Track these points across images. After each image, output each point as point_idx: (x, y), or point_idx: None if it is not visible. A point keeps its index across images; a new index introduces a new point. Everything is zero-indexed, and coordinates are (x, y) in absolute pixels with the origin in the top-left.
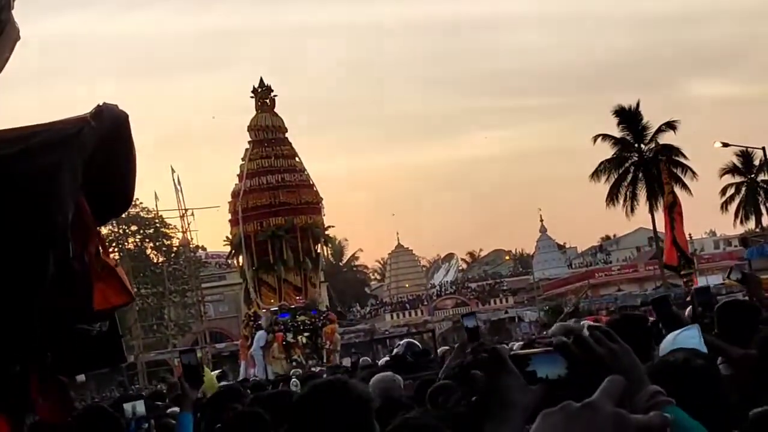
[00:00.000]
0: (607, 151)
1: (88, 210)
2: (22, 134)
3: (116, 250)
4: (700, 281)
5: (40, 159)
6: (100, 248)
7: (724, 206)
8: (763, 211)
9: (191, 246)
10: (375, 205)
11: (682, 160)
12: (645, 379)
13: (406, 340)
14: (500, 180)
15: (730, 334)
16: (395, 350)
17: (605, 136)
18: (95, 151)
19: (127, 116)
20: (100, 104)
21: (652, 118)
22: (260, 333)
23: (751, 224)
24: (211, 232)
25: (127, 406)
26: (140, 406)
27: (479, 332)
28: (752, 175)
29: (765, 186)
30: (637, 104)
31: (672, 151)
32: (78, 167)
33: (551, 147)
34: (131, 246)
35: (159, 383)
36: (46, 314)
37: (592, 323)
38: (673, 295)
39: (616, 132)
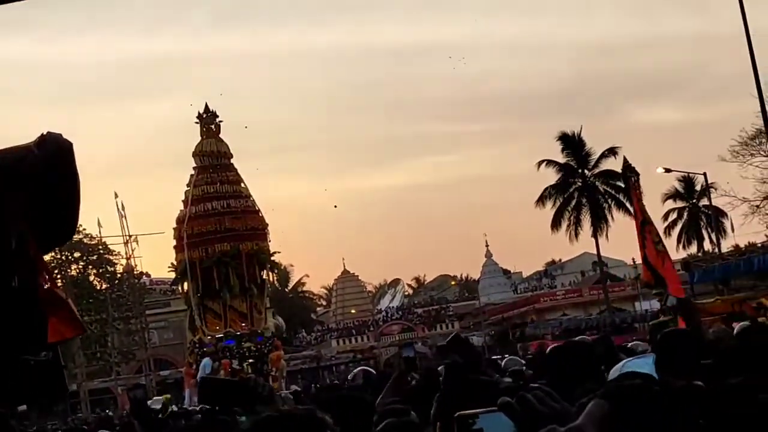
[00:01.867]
0: (552, 176)
1: (32, 239)
2: None
3: (59, 277)
4: (644, 305)
5: None
6: (47, 279)
7: (667, 231)
8: (705, 235)
9: (135, 272)
10: (320, 230)
11: (623, 185)
12: None
13: (360, 368)
14: (445, 206)
15: (671, 364)
16: (351, 378)
17: (549, 162)
18: (39, 180)
19: (71, 145)
20: (44, 133)
21: (595, 144)
22: (205, 360)
23: (694, 248)
24: (156, 258)
25: None
26: None
27: (416, 363)
28: (694, 200)
29: (706, 211)
30: (580, 130)
31: (614, 176)
32: (21, 196)
33: (496, 173)
34: (74, 273)
35: (101, 412)
36: None
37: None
38: (617, 321)
39: (560, 158)
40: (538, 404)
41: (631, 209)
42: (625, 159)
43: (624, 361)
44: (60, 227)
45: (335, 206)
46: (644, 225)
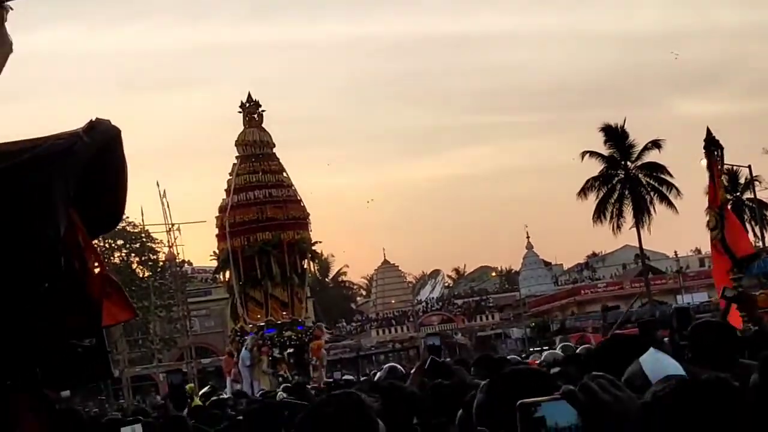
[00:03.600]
0: (594, 168)
1: (81, 225)
2: (14, 149)
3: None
4: (686, 299)
5: (33, 173)
6: (98, 263)
7: (710, 224)
8: (749, 228)
9: (177, 261)
10: (361, 221)
11: (667, 177)
12: (648, 426)
13: (389, 364)
14: (486, 197)
15: (704, 357)
16: (378, 374)
17: (592, 153)
18: (87, 166)
19: (119, 131)
20: (93, 119)
21: (638, 136)
22: (244, 353)
23: None
24: (198, 246)
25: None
26: (138, 430)
27: (440, 352)
28: (738, 193)
29: (750, 204)
30: (624, 122)
31: (657, 168)
32: (70, 182)
33: (538, 164)
34: (117, 261)
35: (141, 400)
36: (41, 329)
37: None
38: (658, 313)
39: (603, 150)
40: (601, 392)
41: (707, 189)
42: (708, 131)
43: (656, 358)
44: (107, 213)
45: (370, 201)
46: (723, 205)
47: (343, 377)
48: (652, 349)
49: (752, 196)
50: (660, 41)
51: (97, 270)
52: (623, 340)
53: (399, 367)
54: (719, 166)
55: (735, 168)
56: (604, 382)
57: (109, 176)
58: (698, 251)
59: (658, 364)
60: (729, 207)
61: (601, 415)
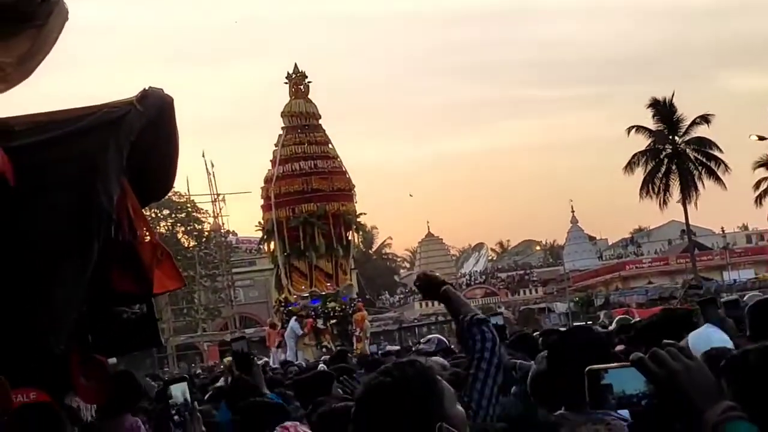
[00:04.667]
0: (641, 143)
1: (132, 193)
2: (70, 116)
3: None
4: (732, 275)
5: (88, 140)
6: (149, 232)
7: (758, 200)
8: None
9: (222, 231)
10: (406, 193)
11: (715, 153)
12: (718, 394)
13: (435, 336)
14: (531, 170)
15: (764, 337)
16: (425, 341)
17: (639, 128)
18: (140, 135)
19: (172, 100)
20: (146, 88)
21: (686, 111)
22: (294, 323)
23: None
24: (243, 217)
25: (176, 390)
26: (186, 391)
27: (506, 332)
28: None
29: None
30: (672, 96)
31: (706, 143)
32: (124, 149)
33: (584, 137)
34: (163, 230)
35: (190, 366)
36: (93, 294)
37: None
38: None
39: (651, 124)
40: (671, 360)
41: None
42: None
43: (707, 332)
44: (158, 182)
45: (411, 195)
46: None
47: (386, 348)
48: (706, 325)
49: None
50: (710, 14)
51: (147, 239)
52: (676, 315)
53: (444, 339)
54: None
55: None
56: (674, 350)
57: (162, 145)
58: (745, 228)
59: (704, 337)
60: None
61: (671, 383)
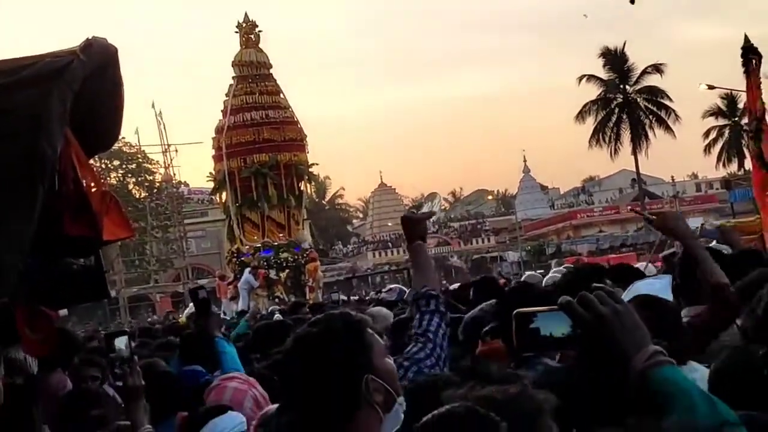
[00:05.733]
0: (593, 92)
1: (77, 144)
2: (11, 66)
3: None
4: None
5: (30, 91)
6: (96, 181)
7: (707, 149)
8: (746, 154)
9: (174, 182)
10: (358, 143)
11: (666, 102)
12: (646, 339)
13: (397, 285)
14: (484, 120)
15: (690, 287)
16: (387, 290)
17: (591, 77)
18: (84, 85)
19: (116, 50)
20: (90, 38)
21: (638, 60)
22: (249, 275)
23: (734, 167)
24: (194, 167)
25: (119, 343)
26: (127, 344)
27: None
28: (736, 118)
29: (747, 127)
30: (623, 46)
31: (656, 93)
32: (67, 100)
33: (536, 87)
34: (113, 181)
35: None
36: (41, 246)
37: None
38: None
39: (602, 73)
40: (599, 304)
41: (750, 101)
42: (746, 37)
43: (641, 282)
44: (104, 133)
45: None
46: (762, 116)
47: (337, 296)
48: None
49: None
50: None
51: (94, 189)
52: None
53: (404, 288)
54: (758, 78)
55: (734, 92)
56: (603, 294)
57: (106, 95)
58: (695, 176)
59: (638, 286)
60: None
61: (598, 327)
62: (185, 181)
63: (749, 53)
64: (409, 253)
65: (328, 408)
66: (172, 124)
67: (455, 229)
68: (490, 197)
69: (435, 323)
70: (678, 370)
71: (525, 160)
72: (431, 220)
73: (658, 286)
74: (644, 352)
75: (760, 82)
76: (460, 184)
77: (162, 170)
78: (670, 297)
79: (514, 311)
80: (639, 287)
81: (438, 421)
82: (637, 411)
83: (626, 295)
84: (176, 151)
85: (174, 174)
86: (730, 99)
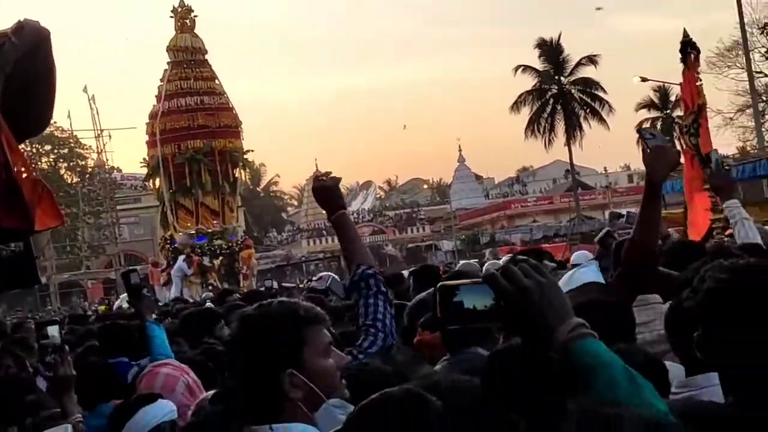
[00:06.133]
0: (528, 83)
1: (6, 128)
2: None
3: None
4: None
5: None
6: (26, 167)
7: (640, 141)
8: (678, 146)
9: (106, 167)
10: (293, 130)
11: (600, 93)
12: (569, 312)
13: (329, 273)
14: (420, 109)
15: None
16: (317, 279)
17: (526, 68)
18: (15, 68)
19: (48, 33)
20: (21, 20)
21: (573, 52)
22: (182, 263)
23: None
24: (127, 153)
25: (52, 331)
26: (57, 332)
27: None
28: (668, 111)
29: (680, 122)
30: (559, 37)
31: (591, 84)
32: None
33: (472, 77)
34: (45, 166)
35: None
36: None
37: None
38: (587, 229)
39: (538, 64)
40: (522, 276)
41: (684, 97)
42: (684, 31)
43: (570, 272)
44: (35, 117)
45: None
46: (700, 111)
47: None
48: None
49: (682, 114)
50: None
51: (25, 176)
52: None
53: (335, 276)
54: (696, 72)
55: (666, 85)
56: (527, 266)
57: (38, 79)
58: (627, 168)
59: (578, 275)
60: (706, 113)
61: (521, 299)
62: (118, 167)
63: (688, 47)
64: (334, 226)
65: (254, 397)
66: (105, 108)
67: (390, 218)
68: (425, 186)
69: (381, 308)
70: (600, 343)
71: (460, 150)
72: (366, 208)
73: (592, 273)
74: (567, 324)
75: (699, 77)
76: (395, 172)
77: (95, 155)
78: (601, 280)
79: (439, 284)
80: (579, 276)
81: (375, 403)
82: (562, 386)
83: (568, 285)
84: (109, 136)
85: (107, 159)
86: (663, 92)
